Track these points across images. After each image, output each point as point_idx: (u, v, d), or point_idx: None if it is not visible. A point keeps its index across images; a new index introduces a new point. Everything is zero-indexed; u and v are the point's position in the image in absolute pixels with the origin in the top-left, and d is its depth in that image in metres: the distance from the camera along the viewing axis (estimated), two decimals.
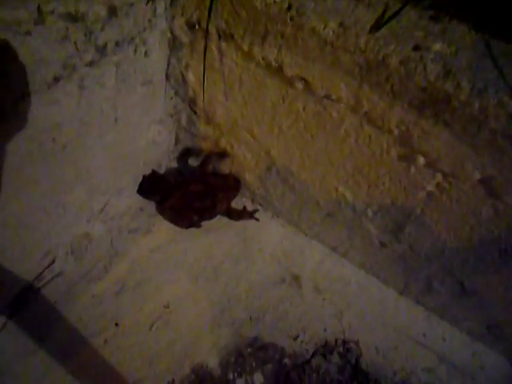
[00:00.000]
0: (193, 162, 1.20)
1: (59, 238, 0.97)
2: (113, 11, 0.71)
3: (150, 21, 0.81)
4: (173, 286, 1.04)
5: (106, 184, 1.01)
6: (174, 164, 1.23)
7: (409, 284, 1.06)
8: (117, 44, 0.76)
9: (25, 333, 0.92)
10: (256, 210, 1.19)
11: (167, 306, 1.01)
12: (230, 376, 0.94)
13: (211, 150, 1.13)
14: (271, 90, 0.87)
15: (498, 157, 0.70)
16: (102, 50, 0.74)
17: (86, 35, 0.69)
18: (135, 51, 0.82)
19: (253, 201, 1.21)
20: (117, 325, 0.97)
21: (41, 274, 0.98)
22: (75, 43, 0.68)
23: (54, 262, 0.99)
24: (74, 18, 0.66)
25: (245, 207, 1.19)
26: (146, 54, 0.86)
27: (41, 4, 0.63)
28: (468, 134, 0.70)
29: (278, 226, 1.18)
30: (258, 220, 1.17)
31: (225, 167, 1.15)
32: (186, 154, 1.19)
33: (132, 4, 0.75)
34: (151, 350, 0.95)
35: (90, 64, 0.74)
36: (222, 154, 1.11)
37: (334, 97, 0.79)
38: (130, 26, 0.77)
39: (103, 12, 0.70)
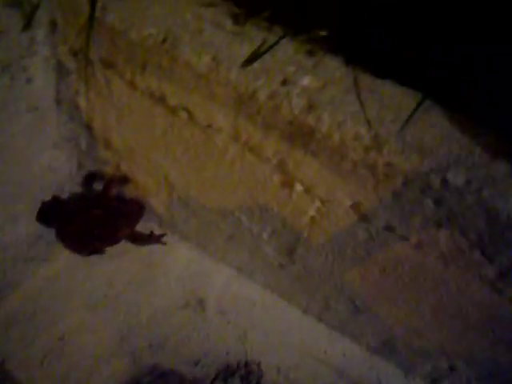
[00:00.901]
0: (97, 185, 1.18)
1: None
2: None
3: (28, 49, 0.80)
4: (69, 316, 1.01)
5: None
6: (79, 188, 1.20)
7: (309, 303, 1.10)
8: None
9: None
10: (163, 234, 1.18)
11: (62, 338, 0.97)
12: None
13: (113, 174, 1.11)
14: (159, 117, 0.88)
15: (361, 185, 0.75)
16: None
17: None
18: (12, 79, 0.80)
19: (160, 225, 1.20)
20: (3, 362, 0.92)
21: None
22: None
23: None
24: None
25: (152, 231, 1.18)
26: (28, 80, 0.84)
27: None
28: (333, 164, 0.74)
29: (185, 250, 1.18)
30: (164, 244, 1.16)
31: (129, 192, 1.14)
32: (89, 178, 1.17)
33: (3, 31, 0.73)
34: None
35: None
36: (124, 179, 1.10)
37: (215, 126, 0.82)
38: (1, 54, 0.75)
39: None
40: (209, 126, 0.82)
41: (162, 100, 0.83)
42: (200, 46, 0.75)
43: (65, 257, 1.10)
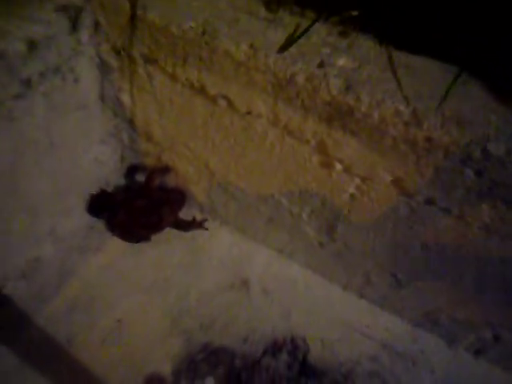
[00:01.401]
0: (140, 177, 1.24)
1: (7, 264, 0.99)
2: (33, 45, 0.74)
3: (74, 49, 0.85)
4: (124, 300, 1.08)
5: (51, 206, 1.04)
6: (123, 181, 1.26)
7: (350, 279, 1.13)
8: (41, 75, 0.79)
9: None
10: (205, 220, 1.23)
11: (119, 321, 1.04)
12: (183, 382, 0.98)
13: (155, 165, 1.17)
14: (199, 107, 0.91)
15: (402, 161, 0.76)
16: (26, 83, 0.77)
17: (8, 70, 0.72)
18: (63, 79, 0.85)
19: (201, 211, 1.25)
20: (68, 341, 0.99)
21: None
22: None
23: (2, 288, 1.00)
24: None
25: (194, 218, 1.23)
26: (76, 80, 0.89)
27: None
28: (373, 142, 0.76)
29: (227, 234, 1.23)
30: (206, 229, 1.22)
31: (170, 181, 1.19)
32: (132, 170, 1.23)
33: (52, 37, 0.78)
34: (104, 363, 0.98)
35: (17, 97, 0.76)
36: (166, 169, 1.15)
37: (254, 113, 0.85)
38: (53, 57, 0.80)
39: (23, 47, 0.73)
40: (248, 112, 0.86)
41: (202, 90, 0.87)
42: (237, 34, 0.78)
43: (115, 245, 1.17)
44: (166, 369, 1.00)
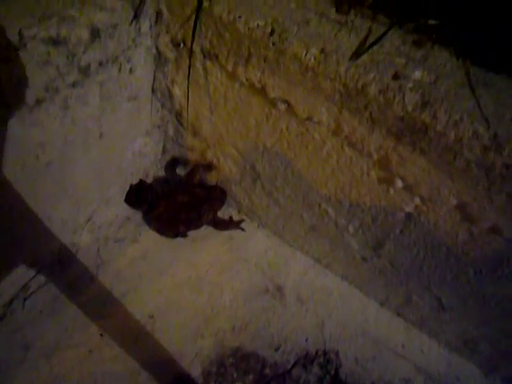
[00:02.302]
0: (180, 171, 1.21)
1: (46, 249, 0.98)
2: (95, 33, 0.72)
3: (134, 40, 0.82)
4: (157, 295, 1.06)
5: (93, 195, 1.02)
6: (162, 173, 1.24)
7: (389, 297, 1.09)
8: (100, 64, 0.77)
9: (10, 340, 0.94)
10: (242, 220, 1.20)
11: (152, 316, 1.03)
12: None
13: (198, 161, 1.14)
14: (255, 108, 0.88)
15: (472, 185, 0.72)
16: (85, 71, 0.75)
17: (68, 58, 0.70)
18: (119, 70, 0.82)
19: (239, 211, 1.22)
20: (101, 335, 0.98)
21: (26, 284, 0.99)
22: (57, 66, 0.68)
23: (39, 272, 1.00)
24: (55, 41, 0.67)
25: (231, 217, 1.21)
26: (130, 70, 0.87)
27: (22, 29, 0.63)
28: (444, 162, 0.71)
29: (264, 237, 1.20)
30: (243, 230, 1.19)
31: (211, 178, 1.16)
32: (173, 163, 1.20)
33: (115, 25, 0.75)
34: (136, 359, 0.97)
35: (73, 85, 0.74)
36: (209, 166, 1.12)
37: (315, 119, 0.81)
38: (113, 46, 0.77)
39: (85, 35, 0.70)
40: (308, 119, 0.81)
41: (261, 91, 0.83)
42: (307, 37, 0.73)
43: (151, 238, 1.15)
44: (196, 369, 0.98)
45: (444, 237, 0.83)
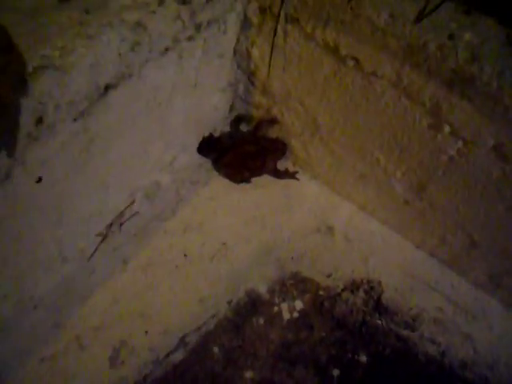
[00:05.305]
0: (243, 127, 1.40)
1: (140, 183, 1.18)
2: None
3: (232, 4, 1.00)
4: (228, 228, 1.26)
5: (178, 140, 1.21)
6: (227, 128, 1.42)
7: (425, 238, 1.26)
8: (208, 23, 0.95)
9: (112, 255, 1.15)
10: (296, 172, 1.38)
11: (224, 244, 1.22)
12: (276, 301, 1.16)
13: (263, 116, 1.32)
14: (326, 66, 1.05)
15: (509, 127, 0.88)
16: (198, 28, 0.93)
17: (190, 15, 0.88)
18: (218, 29, 1.01)
19: (294, 164, 1.40)
20: (185, 255, 1.18)
21: (123, 211, 1.19)
22: (183, 21, 0.87)
23: (134, 202, 1.20)
24: (184, 1, 0.85)
25: (287, 169, 1.39)
26: (224, 31, 1.05)
27: None
28: (486, 108, 0.88)
29: (315, 187, 1.38)
30: (298, 180, 1.37)
31: (273, 132, 1.35)
32: (238, 120, 1.39)
33: None
34: (213, 276, 1.16)
35: (189, 38, 0.93)
36: (273, 121, 1.30)
37: (379, 74, 0.98)
38: (219, 9, 0.95)
39: None
40: (372, 73, 0.99)
41: (334, 51, 1.00)
42: (379, 3, 0.91)
43: (220, 183, 1.34)
44: (263, 287, 1.17)
45: (480, 175, 1.00)
